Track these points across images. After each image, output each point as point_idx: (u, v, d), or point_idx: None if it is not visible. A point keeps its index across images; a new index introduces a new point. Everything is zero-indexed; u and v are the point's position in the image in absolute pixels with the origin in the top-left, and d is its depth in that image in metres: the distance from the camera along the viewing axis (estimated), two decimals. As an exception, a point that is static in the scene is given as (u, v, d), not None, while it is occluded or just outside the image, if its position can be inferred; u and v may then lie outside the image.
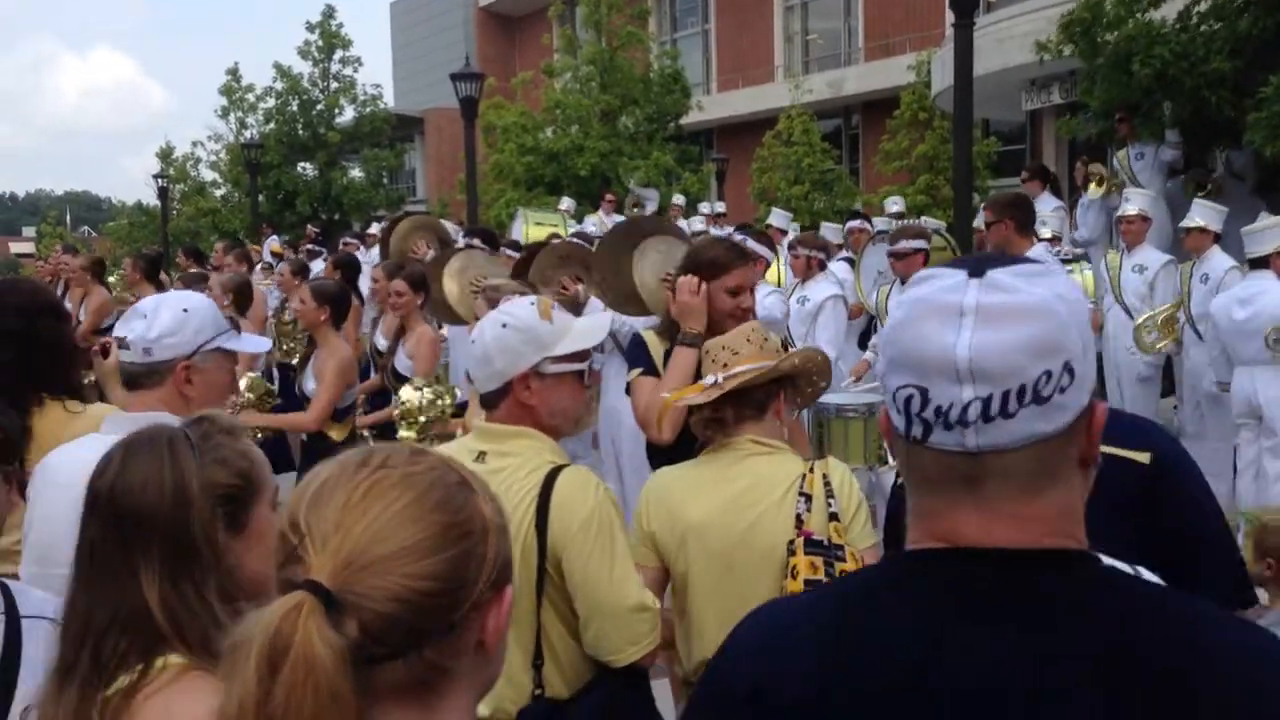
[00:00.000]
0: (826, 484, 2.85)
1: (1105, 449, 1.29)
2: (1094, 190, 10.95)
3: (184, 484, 1.70)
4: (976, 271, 1.20)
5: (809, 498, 2.82)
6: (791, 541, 2.74)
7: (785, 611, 1.37)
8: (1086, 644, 1.14)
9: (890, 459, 6.85)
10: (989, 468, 1.18)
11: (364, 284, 9.53)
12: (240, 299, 6.84)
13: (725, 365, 2.94)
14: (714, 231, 13.53)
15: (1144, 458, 2.19)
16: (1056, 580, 1.19)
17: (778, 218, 13.62)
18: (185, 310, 2.74)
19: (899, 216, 13.38)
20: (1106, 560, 1.25)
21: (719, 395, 2.89)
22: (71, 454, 2.57)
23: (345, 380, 5.81)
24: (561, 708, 2.66)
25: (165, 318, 2.70)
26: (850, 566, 2.70)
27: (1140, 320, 8.19)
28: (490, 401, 2.75)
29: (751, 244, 7.31)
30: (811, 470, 2.87)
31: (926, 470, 1.22)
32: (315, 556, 1.11)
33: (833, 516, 2.80)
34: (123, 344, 2.72)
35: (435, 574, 1.13)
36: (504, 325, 2.71)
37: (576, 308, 7.56)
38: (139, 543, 1.67)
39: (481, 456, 2.70)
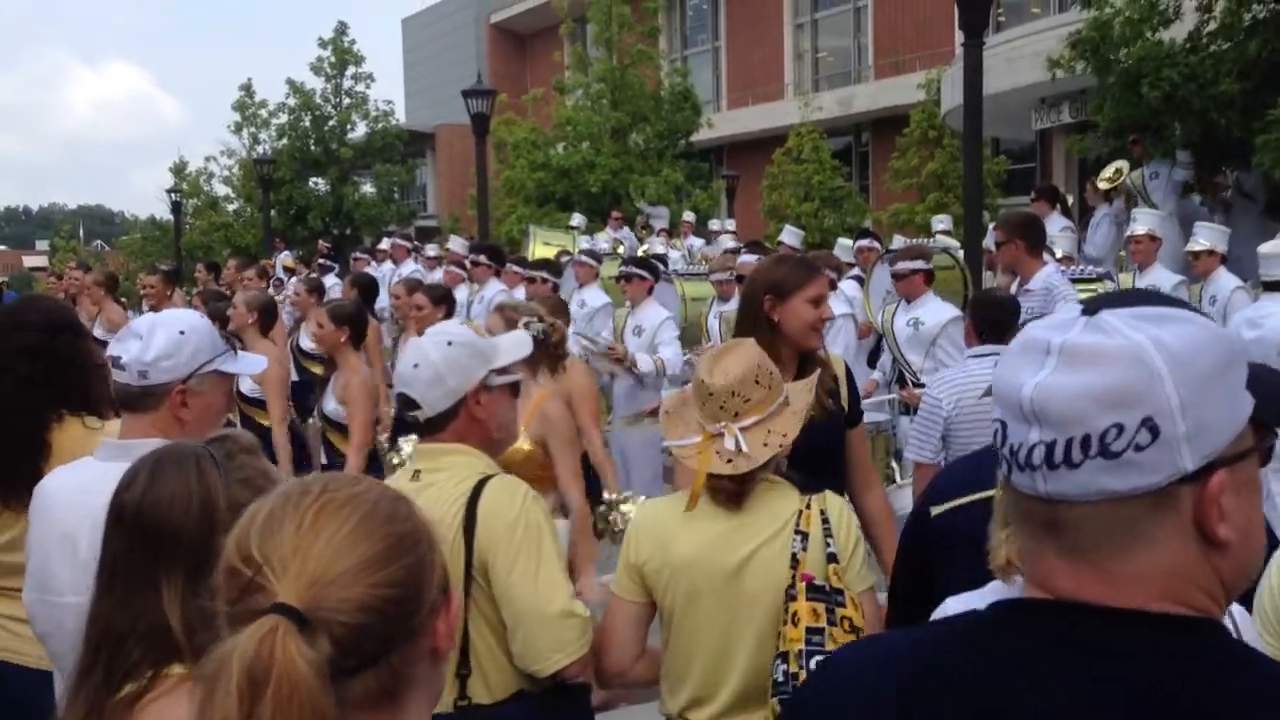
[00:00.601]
0: (824, 521, 2.68)
1: None
2: (1104, 182, 10.97)
3: (212, 502, 1.73)
4: (1091, 310, 1.12)
5: (805, 535, 2.65)
6: (792, 586, 2.59)
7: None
8: None
9: (899, 478, 6.87)
10: (1062, 517, 1.10)
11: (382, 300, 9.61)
12: (265, 317, 6.87)
13: (736, 415, 2.69)
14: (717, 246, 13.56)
15: None
16: (1169, 646, 1.08)
17: (790, 235, 13.65)
18: (182, 332, 2.65)
19: (946, 233, 13.34)
20: (1233, 633, 1.14)
21: (767, 459, 2.69)
22: (64, 480, 2.57)
23: (372, 400, 5.86)
24: (484, 713, 2.65)
25: (161, 339, 2.62)
26: (850, 612, 2.59)
27: None
28: (438, 423, 2.75)
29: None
30: (808, 506, 2.70)
31: (1016, 509, 1.17)
32: (278, 582, 1.14)
33: (831, 557, 2.64)
34: (117, 364, 2.64)
35: (397, 581, 1.19)
36: (449, 343, 2.75)
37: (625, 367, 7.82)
38: (164, 558, 1.70)
39: (417, 475, 2.74)
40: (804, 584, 2.59)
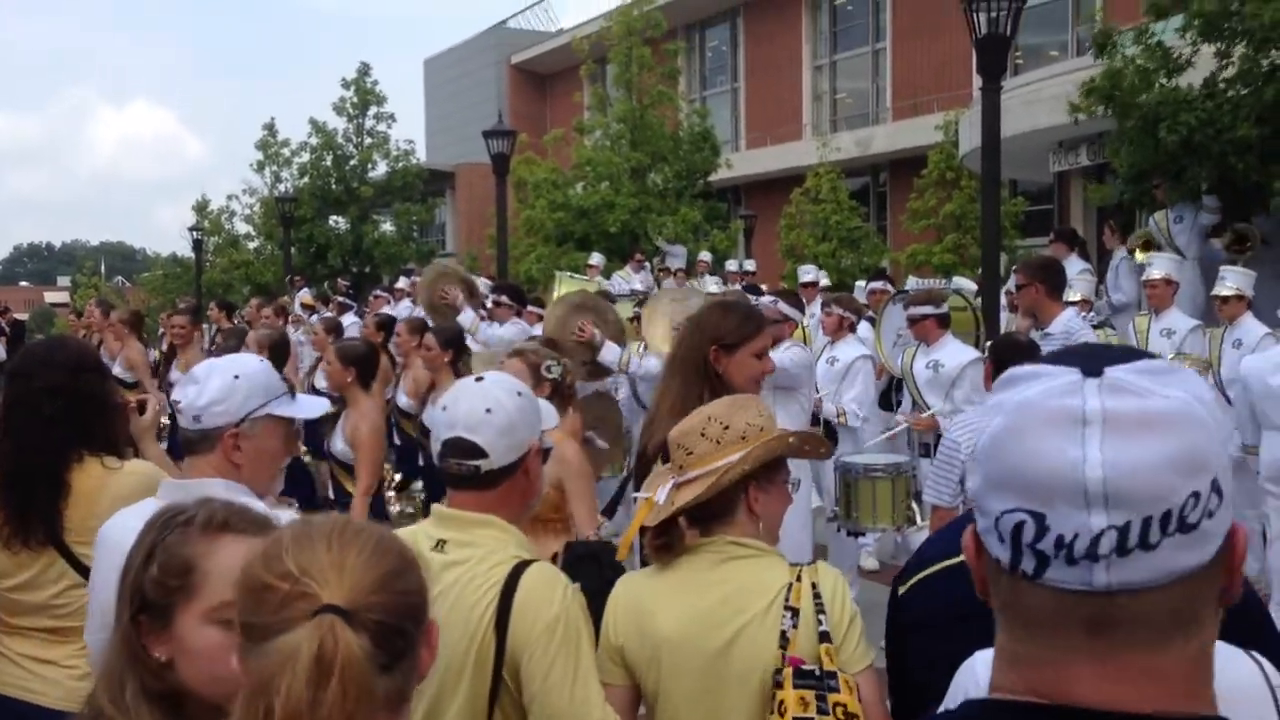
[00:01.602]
0: (816, 596, 2.46)
1: None
2: (1140, 255, 10.94)
3: (125, 575, 1.81)
4: (1092, 370, 1.01)
5: (796, 612, 2.45)
6: (779, 671, 2.39)
7: None
8: None
9: (920, 519, 6.84)
10: (1121, 611, 0.97)
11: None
12: (276, 355, 6.92)
13: (681, 468, 2.57)
14: (728, 289, 13.59)
15: None
16: None
17: (806, 273, 13.68)
18: (236, 377, 2.72)
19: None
20: (1222, 661, 1.07)
21: (666, 516, 2.54)
22: (125, 520, 2.61)
23: (380, 441, 5.87)
24: None
25: (215, 385, 2.70)
26: (844, 698, 2.37)
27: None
28: (493, 479, 2.49)
29: (783, 307, 7.38)
30: (799, 579, 2.49)
31: (1036, 612, 1.01)
32: (323, 589, 1.31)
33: (823, 636, 2.43)
34: (176, 408, 2.76)
35: (412, 589, 1.39)
36: (519, 394, 2.54)
37: (593, 350, 7.68)
38: None
39: (441, 545, 2.46)
40: (790, 670, 2.38)
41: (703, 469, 2.54)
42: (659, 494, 2.57)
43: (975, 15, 9.57)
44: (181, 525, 1.82)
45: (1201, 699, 1.00)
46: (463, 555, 2.43)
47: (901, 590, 2.25)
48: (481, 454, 2.47)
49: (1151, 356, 1.05)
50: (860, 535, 7.10)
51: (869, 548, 8.21)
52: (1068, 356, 1.04)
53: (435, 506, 2.59)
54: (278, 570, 1.33)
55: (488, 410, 2.47)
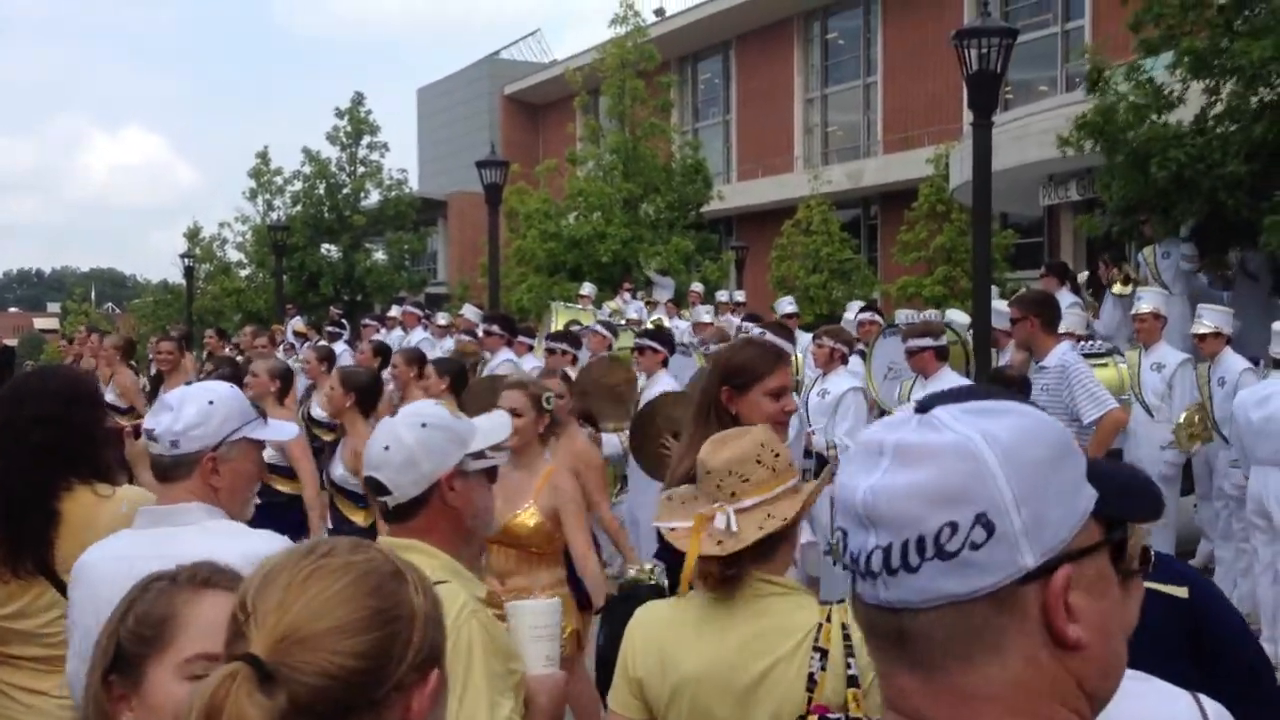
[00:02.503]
0: (846, 638, 2.39)
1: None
2: (1119, 288, 11.01)
3: (102, 632, 1.77)
4: (924, 407, 1.08)
5: (825, 653, 2.37)
6: (803, 718, 2.35)
7: None
8: None
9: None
10: (910, 627, 1.04)
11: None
12: (286, 383, 6.97)
13: (734, 495, 2.47)
14: (724, 320, 13.66)
15: (1182, 592, 2.11)
16: None
17: (786, 305, 13.74)
18: (211, 402, 2.75)
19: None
20: (1159, 702, 1.12)
21: (749, 543, 2.43)
22: (104, 550, 2.64)
23: None
24: None
25: (190, 411, 2.72)
26: None
27: (1179, 421, 8.19)
28: (407, 511, 2.51)
29: (772, 338, 7.40)
30: (829, 619, 2.42)
31: (865, 624, 1.10)
32: (255, 631, 1.20)
33: (851, 680, 2.35)
34: (150, 436, 2.75)
35: (362, 652, 1.22)
36: (423, 425, 2.53)
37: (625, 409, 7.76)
38: None
39: None
40: (815, 717, 2.33)
41: (760, 497, 2.46)
42: (719, 521, 2.44)
43: (966, 51, 9.66)
44: (166, 583, 1.78)
45: None
46: None
47: None
48: (385, 490, 2.51)
49: (997, 398, 1.09)
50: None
51: None
52: (931, 396, 1.11)
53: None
54: (242, 599, 1.25)
55: (385, 448, 2.51)
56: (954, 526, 1.00)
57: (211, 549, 2.04)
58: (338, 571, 1.26)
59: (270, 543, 2.63)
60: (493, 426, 2.71)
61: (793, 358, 8.31)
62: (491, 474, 2.65)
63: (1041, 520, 1.02)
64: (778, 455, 2.52)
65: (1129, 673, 1.13)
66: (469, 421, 2.66)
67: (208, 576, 1.80)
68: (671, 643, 2.49)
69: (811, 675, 2.36)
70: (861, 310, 12.34)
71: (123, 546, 2.59)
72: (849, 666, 2.37)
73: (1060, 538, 1.03)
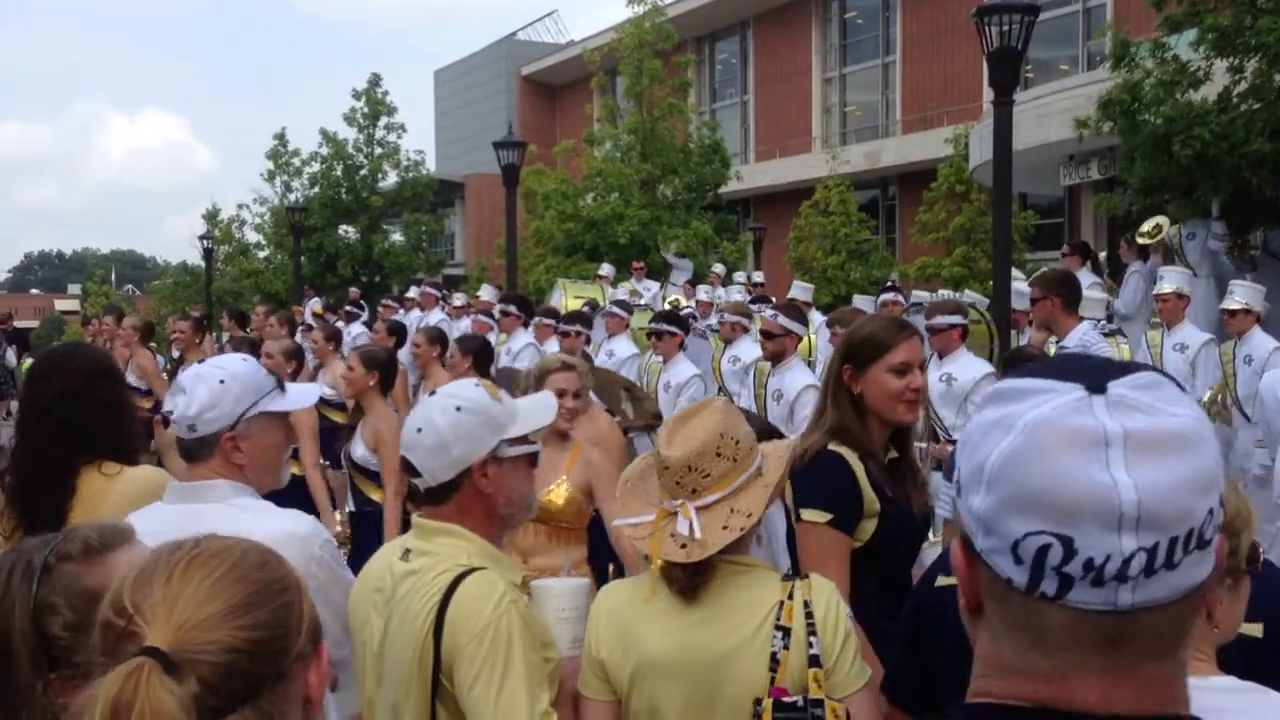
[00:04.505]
0: (809, 616, 2.33)
1: None
2: (1144, 237, 10.92)
3: (6, 628, 1.60)
4: (1095, 385, 1.00)
5: (787, 632, 2.32)
6: (759, 701, 2.28)
7: None
8: None
9: (931, 535, 6.80)
10: (1139, 627, 0.98)
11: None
12: (300, 365, 7.05)
13: (695, 493, 2.39)
14: (742, 298, 13.59)
15: (1256, 629, 1.85)
16: None
17: (800, 291, 13.67)
18: (222, 381, 2.70)
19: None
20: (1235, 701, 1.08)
21: (717, 549, 2.35)
22: (135, 525, 2.64)
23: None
24: None
25: (203, 392, 2.68)
26: None
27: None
28: (439, 495, 2.46)
29: (784, 320, 7.37)
30: (791, 596, 2.35)
31: (1052, 632, 1.01)
32: (149, 627, 1.20)
33: (813, 660, 2.30)
34: (171, 420, 2.74)
35: (263, 623, 1.24)
36: (458, 409, 2.45)
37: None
38: None
39: (407, 554, 2.48)
40: (770, 701, 2.27)
41: (722, 491, 2.39)
42: (681, 525, 2.36)
43: (987, 28, 9.57)
44: (56, 562, 1.63)
45: (1181, 701, 1.03)
46: (420, 564, 2.43)
47: (942, 582, 2.19)
48: (417, 473, 2.47)
49: (1142, 368, 1.05)
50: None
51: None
52: (1065, 370, 1.03)
53: (414, 515, 2.60)
54: (116, 605, 1.24)
55: (418, 430, 2.47)
56: (1211, 513, 0.98)
57: (237, 527, 2.03)
58: (215, 557, 1.28)
59: (297, 522, 2.64)
60: (537, 410, 2.62)
61: (805, 339, 8.34)
62: (533, 459, 2.56)
63: None
64: (738, 442, 2.42)
65: (1239, 683, 1.13)
66: (511, 405, 2.56)
67: (100, 540, 1.70)
68: (633, 623, 2.44)
69: (774, 655, 2.31)
70: (883, 290, 12.27)
71: (151, 522, 2.57)
72: (811, 646, 2.31)
73: None
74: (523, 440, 2.52)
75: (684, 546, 2.34)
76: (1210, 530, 0.97)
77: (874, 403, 3.10)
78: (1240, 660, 1.73)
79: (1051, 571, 0.98)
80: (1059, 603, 0.98)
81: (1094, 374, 1.01)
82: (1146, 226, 11.17)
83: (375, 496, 5.92)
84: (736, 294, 13.87)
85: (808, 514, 2.97)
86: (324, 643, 1.34)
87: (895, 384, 3.11)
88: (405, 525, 5.82)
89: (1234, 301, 8.13)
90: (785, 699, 2.27)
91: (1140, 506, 0.95)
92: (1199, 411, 1.01)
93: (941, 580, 2.24)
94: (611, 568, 4.80)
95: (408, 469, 2.49)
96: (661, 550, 2.36)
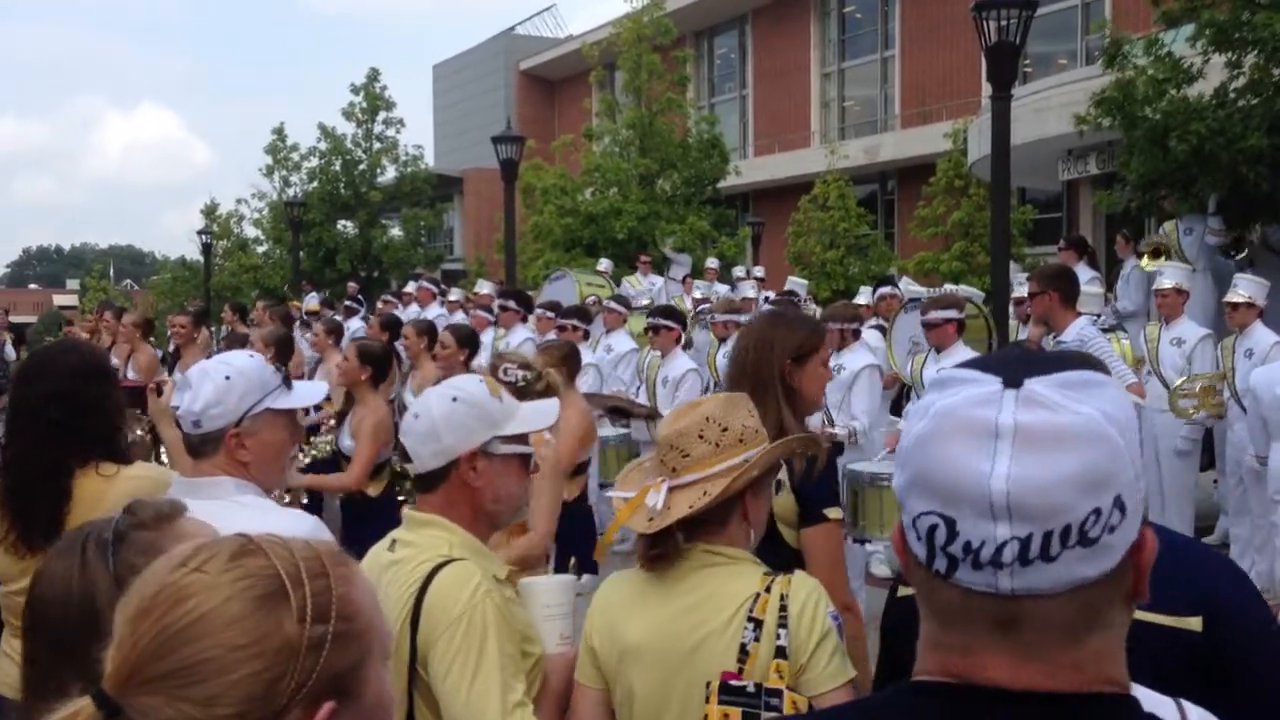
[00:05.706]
0: (782, 610, 2.33)
1: (1140, 615, 1.14)
2: (1148, 263, 10.92)
3: (89, 595, 1.55)
4: (1013, 381, 1.03)
5: (759, 624, 2.32)
6: (709, 685, 2.30)
7: None
8: None
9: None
10: (1026, 613, 1.02)
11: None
12: (281, 353, 7.02)
13: (674, 471, 2.42)
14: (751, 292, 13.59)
15: (1194, 623, 1.76)
16: None
17: (795, 286, 13.68)
18: (228, 377, 2.69)
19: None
20: (1148, 706, 1.11)
21: (665, 524, 2.39)
22: None
23: (381, 439, 5.92)
24: None
25: (207, 389, 2.68)
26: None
27: (1177, 384, 8.12)
28: (429, 483, 2.52)
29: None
30: (768, 590, 2.36)
31: (950, 607, 1.06)
32: (110, 664, 1.09)
33: (779, 651, 2.31)
34: (177, 415, 2.75)
35: (215, 698, 1.06)
36: (454, 399, 2.51)
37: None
38: (55, 664, 1.53)
39: (393, 545, 2.52)
40: (718, 684, 2.28)
41: (700, 473, 2.40)
42: (651, 499, 2.40)
43: (985, 23, 9.57)
44: (129, 530, 1.60)
45: (1111, 682, 1.06)
46: (403, 555, 2.48)
47: (903, 593, 2.15)
48: (409, 458, 2.54)
49: (1085, 365, 1.07)
50: (867, 543, 7.08)
51: (880, 555, 8.20)
52: (995, 364, 1.07)
53: (405, 509, 2.64)
54: (113, 618, 1.13)
55: (415, 415, 2.53)
56: (1098, 513, 0.99)
57: (239, 525, 2.01)
58: (201, 594, 1.11)
59: (299, 521, 2.61)
60: (535, 414, 2.65)
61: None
62: (525, 461, 2.58)
63: (1141, 487, 1.04)
64: (724, 429, 2.43)
65: None
66: (510, 404, 2.60)
67: (169, 508, 1.66)
68: (618, 612, 2.48)
69: (744, 646, 2.32)
70: (879, 285, 12.27)
71: None
72: (778, 637, 2.32)
73: (1144, 499, 1.05)
74: (519, 440, 2.55)
75: (650, 519, 2.39)
76: (1096, 530, 0.99)
77: (808, 391, 3.44)
78: (1183, 660, 1.68)
79: (940, 551, 1.03)
80: (950, 580, 1.04)
81: (1019, 369, 1.04)
82: (1147, 251, 11.11)
83: (369, 490, 5.95)
84: (749, 290, 13.83)
85: (833, 513, 3.23)
86: (330, 703, 1.12)
87: (826, 375, 3.52)
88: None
89: (1237, 295, 8.13)
90: (732, 682, 2.28)
91: (1009, 497, 0.99)
92: (1113, 411, 1.02)
93: (902, 590, 2.19)
94: (573, 561, 4.80)
95: (403, 455, 2.57)
96: (631, 521, 2.42)
